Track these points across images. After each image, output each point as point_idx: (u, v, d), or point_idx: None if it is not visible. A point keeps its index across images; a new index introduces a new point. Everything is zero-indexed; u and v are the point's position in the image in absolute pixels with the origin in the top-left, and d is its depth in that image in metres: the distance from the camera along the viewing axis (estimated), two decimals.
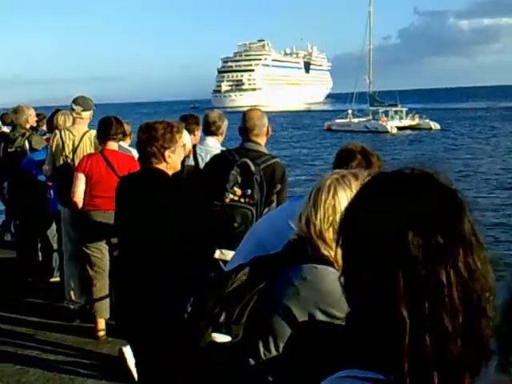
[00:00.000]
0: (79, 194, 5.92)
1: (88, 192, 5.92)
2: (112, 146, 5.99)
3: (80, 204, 5.93)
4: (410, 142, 43.70)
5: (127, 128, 7.50)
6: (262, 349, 2.10)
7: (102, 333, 6.04)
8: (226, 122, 5.86)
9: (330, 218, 2.11)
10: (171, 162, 3.92)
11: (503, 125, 56.14)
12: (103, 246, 6.05)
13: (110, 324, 6.06)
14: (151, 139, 3.84)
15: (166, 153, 3.87)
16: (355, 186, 2.14)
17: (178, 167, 4.06)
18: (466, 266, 1.06)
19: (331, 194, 2.14)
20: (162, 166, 3.90)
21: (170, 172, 3.95)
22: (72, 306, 6.62)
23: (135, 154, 7.23)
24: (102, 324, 6.07)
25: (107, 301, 6.12)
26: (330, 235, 2.10)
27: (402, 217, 1.08)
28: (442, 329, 1.04)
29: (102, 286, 6.11)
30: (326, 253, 2.10)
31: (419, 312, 1.04)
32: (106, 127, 5.97)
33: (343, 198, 2.13)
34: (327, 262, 2.09)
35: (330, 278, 2.02)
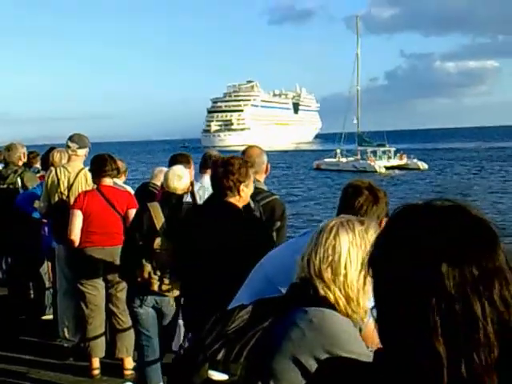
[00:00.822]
0: (76, 232, 5.90)
1: (85, 229, 5.91)
2: (107, 182, 6.01)
3: (77, 241, 5.91)
4: (399, 182, 43.94)
5: (122, 165, 7.53)
6: None
7: (96, 371, 5.96)
8: None
9: (330, 258, 2.11)
10: (244, 195, 4.07)
11: (491, 165, 56.60)
12: (99, 283, 6.01)
13: (104, 362, 5.98)
14: (228, 173, 4.00)
15: (241, 186, 4.02)
16: (359, 231, 2.16)
17: (248, 200, 4.20)
18: (501, 299, 1.06)
19: (333, 234, 2.15)
20: (234, 200, 4.05)
21: (241, 205, 4.10)
22: (66, 344, 6.54)
23: (131, 190, 7.27)
24: (96, 363, 5.99)
25: (102, 339, 6.07)
26: (328, 275, 2.10)
27: (436, 249, 1.07)
28: (477, 363, 1.03)
29: (97, 324, 6.06)
30: (323, 293, 2.09)
31: (455, 347, 1.03)
32: (101, 164, 5.98)
33: (344, 239, 2.13)
34: (329, 305, 2.08)
35: (336, 321, 2.01)
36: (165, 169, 6.06)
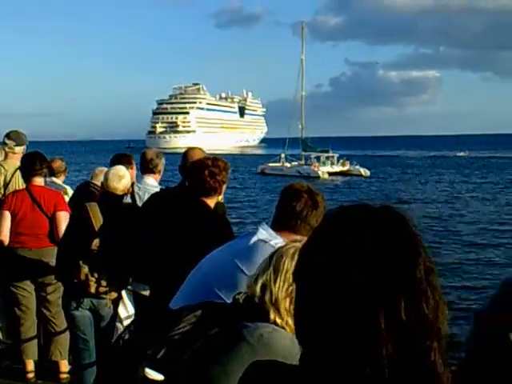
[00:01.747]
0: (5, 233, 5.77)
1: (14, 229, 5.78)
2: (37, 181, 5.86)
3: (6, 242, 5.77)
4: (341, 187, 44.51)
5: (61, 164, 7.39)
6: None
7: (31, 375, 5.81)
8: (163, 160, 5.88)
9: (290, 288, 2.04)
10: (221, 195, 4.22)
11: (431, 173, 57.92)
12: (29, 285, 5.87)
13: (40, 365, 5.84)
14: (215, 174, 4.10)
15: (224, 187, 4.17)
16: None
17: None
18: (407, 313, 1.04)
19: (295, 262, 2.12)
20: (215, 199, 4.19)
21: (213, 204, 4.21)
22: (1, 347, 6.36)
23: (69, 190, 7.13)
24: (30, 365, 5.84)
25: (35, 342, 5.93)
26: (285, 305, 2.05)
27: (346, 253, 1.06)
28: (407, 365, 1.04)
29: (28, 326, 5.92)
30: (273, 318, 2.06)
31: (392, 349, 1.03)
32: (31, 163, 5.85)
33: None
34: (279, 326, 2.04)
35: (286, 337, 1.97)
36: (105, 169, 5.96)
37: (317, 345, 1.10)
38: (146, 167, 5.77)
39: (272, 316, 2.05)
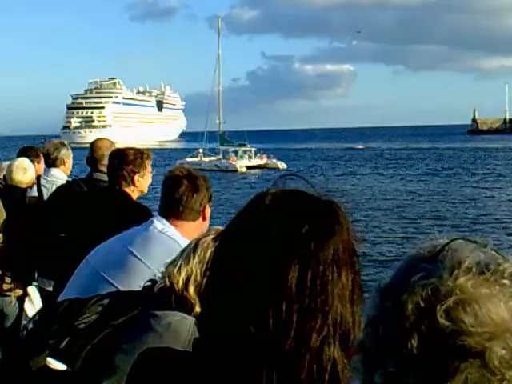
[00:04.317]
0: None
1: None
2: None
3: None
4: (259, 180, 44.90)
5: None
6: None
7: None
8: (64, 152, 5.64)
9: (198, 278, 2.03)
10: (139, 185, 4.04)
11: (347, 165, 59.27)
12: None
13: None
14: (123, 163, 3.99)
15: (136, 177, 4.00)
16: None
17: (146, 191, 4.19)
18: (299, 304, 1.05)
19: (209, 252, 2.04)
20: (129, 190, 4.04)
21: (137, 195, 4.09)
22: None
23: None
24: None
25: None
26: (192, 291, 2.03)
27: (272, 244, 1.06)
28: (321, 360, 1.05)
29: None
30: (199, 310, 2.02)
31: (297, 341, 1.04)
32: None
33: None
34: (186, 310, 2.00)
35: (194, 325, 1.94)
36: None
37: (217, 333, 1.10)
38: (46, 160, 5.58)
39: (197, 308, 2.00)
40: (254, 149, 58.50)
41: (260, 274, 1.05)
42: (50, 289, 4.66)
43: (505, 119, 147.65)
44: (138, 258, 2.65)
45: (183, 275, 2.06)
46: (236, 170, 51.64)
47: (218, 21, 72.59)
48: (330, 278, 1.05)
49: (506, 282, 0.78)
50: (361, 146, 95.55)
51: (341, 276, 1.06)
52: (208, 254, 2.05)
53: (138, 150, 4.20)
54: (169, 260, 2.12)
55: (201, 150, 59.22)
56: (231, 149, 57.32)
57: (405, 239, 20.22)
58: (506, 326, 0.76)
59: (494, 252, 0.82)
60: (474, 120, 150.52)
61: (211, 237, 2.13)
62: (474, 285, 0.77)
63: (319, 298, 1.04)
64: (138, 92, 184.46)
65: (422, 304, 0.78)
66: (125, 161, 4.00)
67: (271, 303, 1.03)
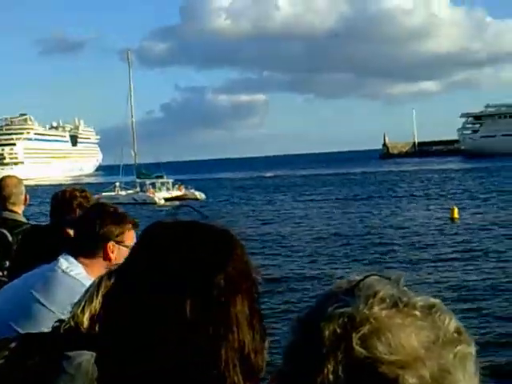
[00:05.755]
0: None
1: None
2: None
3: None
4: (179, 212, 44.54)
5: None
6: None
7: None
8: None
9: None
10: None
11: (264, 194, 59.75)
12: None
13: None
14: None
15: None
16: None
17: None
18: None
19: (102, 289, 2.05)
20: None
21: None
22: None
23: None
24: None
25: None
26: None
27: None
28: None
29: None
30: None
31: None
32: None
33: None
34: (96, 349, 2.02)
35: None
36: None
37: (113, 371, 1.12)
38: None
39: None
40: (171, 180, 58.13)
41: (149, 308, 1.08)
42: None
43: (414, 143, 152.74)
44: (41, 303, 2.60)
45: (87, 315, 2.00)
46: (155, 203, 51.09)
47: (127, 54, 72.60)
48: (224, 305, 1.08)
49: (417, 313, 0.82)
50: (270, 174, 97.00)
51: (236, 303, 1.10)
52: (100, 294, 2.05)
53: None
54: (74, 301, 2.05)
55: (117, 184, 58.33)
56: (148, 181, 56.74)
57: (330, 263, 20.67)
58: (416, 355, 0.79)
59: (405, 288, 0.87)
60: (384, 144, 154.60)
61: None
62: (387, 315, 0.81)
63: (215, 325, 1.07)
64: (51, 127, 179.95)
65: (338, 331, 0.80)
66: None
67: (161, 337, 1.06)
